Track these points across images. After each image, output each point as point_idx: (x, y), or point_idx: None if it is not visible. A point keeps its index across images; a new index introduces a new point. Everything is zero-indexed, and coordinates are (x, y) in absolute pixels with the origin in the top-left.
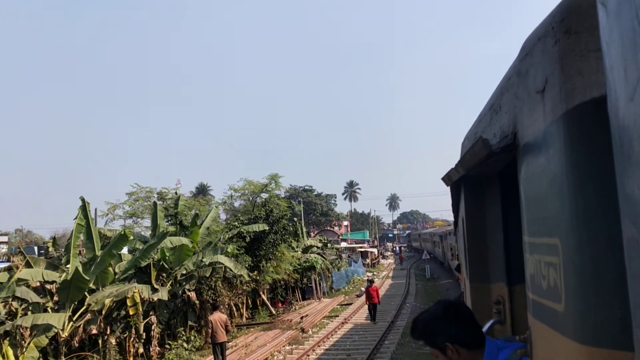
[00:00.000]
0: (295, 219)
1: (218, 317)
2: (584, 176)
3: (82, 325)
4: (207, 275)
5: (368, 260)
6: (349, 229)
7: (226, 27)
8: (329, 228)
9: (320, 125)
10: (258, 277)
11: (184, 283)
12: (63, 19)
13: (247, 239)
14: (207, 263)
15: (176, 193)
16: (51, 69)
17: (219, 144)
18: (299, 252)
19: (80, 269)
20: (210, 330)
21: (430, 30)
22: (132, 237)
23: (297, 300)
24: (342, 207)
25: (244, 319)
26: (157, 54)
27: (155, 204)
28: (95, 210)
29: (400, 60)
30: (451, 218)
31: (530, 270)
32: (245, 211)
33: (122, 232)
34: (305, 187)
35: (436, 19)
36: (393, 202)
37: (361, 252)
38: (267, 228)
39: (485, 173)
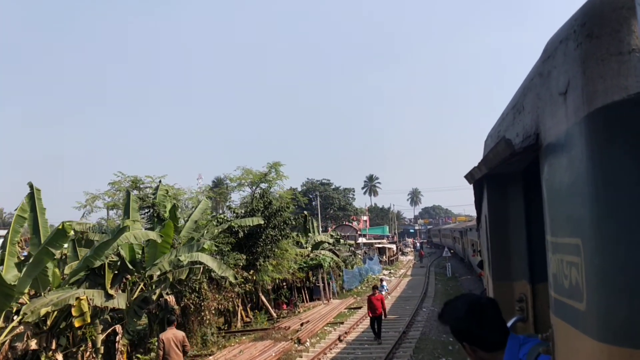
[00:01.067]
0: (305, 212)
1: (172, 335)
2: (605, 177)
3: (8, 341)
4: (183, 277)
5: (385, 257)
6: (367, 224)
7: (253, 15)
8: (347, 223)
9: (340, 119)
10: (255, 277)
11: (158, 286)
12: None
13: (241, 234)
14: (185, 262)
15: (160, 182)
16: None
17: (238, 138)
18: (308, 249)
19: (2, 272)
20: (161, 352)
21: (462, 22)
22: (72, 232)
23: (303, 301)
24: (362, 201)
25: (240, 324)
26: (174, 48)
27: (127, 193)
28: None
29: (425, 52)
30: (474, 213)
31: (553, 269)
32: (244, 204)
33: (60, 227)
34: (323, 181)
35: (465, 13)
36: (414, 197)
37: (378, 248)
38: (262, 222)
39: (508, 171)
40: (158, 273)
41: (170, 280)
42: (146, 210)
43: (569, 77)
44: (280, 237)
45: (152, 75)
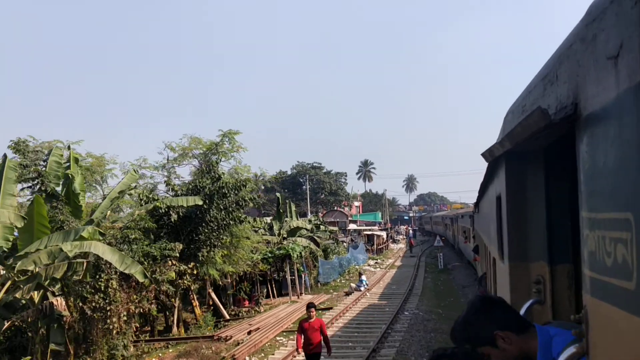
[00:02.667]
0: (278, 194)
1: None
2: None
3: None
4: (59, 274)
5: (374, 246)
6: (360, 209)
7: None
8: (338, 208)
9: (337, 102)
10: (196, 271)
11: (33, 284)
12: None
13: (174, 218)
14: (71, 254)
15: (69, 148)
16: None
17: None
18: (282, 236)
19: None
20: None
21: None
22: None
23: (270, 297)
24: (357, 187)
25: (177, 329)
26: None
27: (4, 157)
28: None
29: (427, 37)
30: (470, 200)
31: (590, 247)
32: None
33: None
34: (314, 164)
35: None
36: (410, 184)
37: (367, 235)
38: (202, 203)
39: (529, 149)
40: (31, 267)
41: (43, 276)
42: (34, 183)
43: (621, 39)
44: (230, 222)
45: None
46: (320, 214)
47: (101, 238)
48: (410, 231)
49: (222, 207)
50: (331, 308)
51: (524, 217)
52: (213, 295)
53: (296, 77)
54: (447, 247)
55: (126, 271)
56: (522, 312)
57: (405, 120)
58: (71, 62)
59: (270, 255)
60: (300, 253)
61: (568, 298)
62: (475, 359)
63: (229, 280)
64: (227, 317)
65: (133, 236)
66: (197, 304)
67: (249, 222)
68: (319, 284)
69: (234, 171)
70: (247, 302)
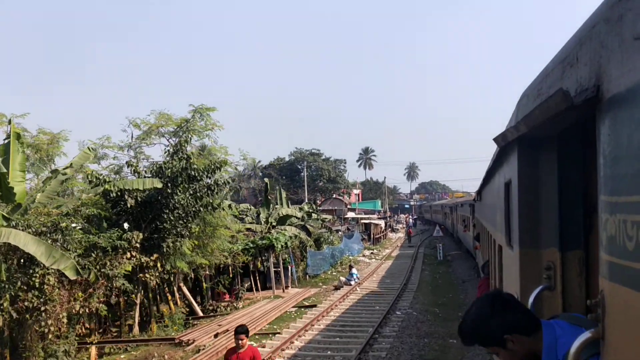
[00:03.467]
0: (266, 179)
1: None
2: None
3: None
4: None
5: (371, 234)
6: (360, 197)
7: None
8: (336, 196)
9: (339, 91)
10: (160, 263)
11: None
12: None
13: (130, 203)
14: None
15: (10, 122)
16: None
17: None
18: (270, 224)
19: None
20: None
21: None
22: None
23: (254, 290)
24: (358, 175)
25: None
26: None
27: None
28: None
29: (430, 19)
30: (472, 189)
31: (610, 231)
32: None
33: None
34: (312, 151)
35: None
36: (411, 172)
37: (365, 224)
38: (160, 186)
39: (543, 135)
40: None
41: None
42: None
43: None
44: (200, 209)
45: None
46: (318, 201)
47: (5, 224)
48: (410, 220)
49: (191, 192)
50: (315, 306)
51: (536, 203)
52: (184, 289)
53: (296, 62)
54: (447, 236)
55: (53, 266)
56: (531, 298)
57: (407, 107)
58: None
59: (252, 245)
60: (286, 243)
61: (579, 284)
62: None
63: (207, 273)
64: (200, 313)
65: (64, 224)
66: (172, 298)
67: (230, 209)
68: (307, 276)
69: (208, 152)
70: (227, 296)
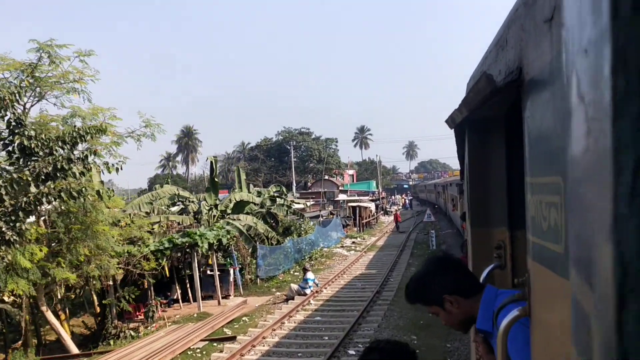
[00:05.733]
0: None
1: None
2: None
3: None
4: None
5: (359, 219)
6: (354, 178)
7: None
8: (328, 177)
9: (332, 66)
10: None
11: None
12: None
13: None
14: None
15: None
16: None
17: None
18: (210, 214)
19: None
20: None
21: None
22: None
23: (183, 301)
24: (354, 155)
25: None
26: None
27: None
28: None
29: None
30: None
31: (532, 211)
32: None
33: None
34: (302, 130)
35: None
36: (410, 151)
37: (352, 207)
38: None
39: (490, 115)
40: None
41: None
42: None
43: (555, 2)
44: (43, 200)
45: None
46: (309, 183)
47: None
48: (406, 201)
49: (29, 173)
50: (234, 338)
51: (486, 183)
52: (49, 316)
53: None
54: (440, 214)
55: None
56: (482, 276)
57: (404, 81)
58: None
59: (166, 246)
60: (220, 240)
61: (526, 262)
62: (402, 356)
63: (109, 284)
64: (73, 350)
65: None
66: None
67: (108, 195)
68: (259, 280)
69: (71, 114)
70: (139, 314)
